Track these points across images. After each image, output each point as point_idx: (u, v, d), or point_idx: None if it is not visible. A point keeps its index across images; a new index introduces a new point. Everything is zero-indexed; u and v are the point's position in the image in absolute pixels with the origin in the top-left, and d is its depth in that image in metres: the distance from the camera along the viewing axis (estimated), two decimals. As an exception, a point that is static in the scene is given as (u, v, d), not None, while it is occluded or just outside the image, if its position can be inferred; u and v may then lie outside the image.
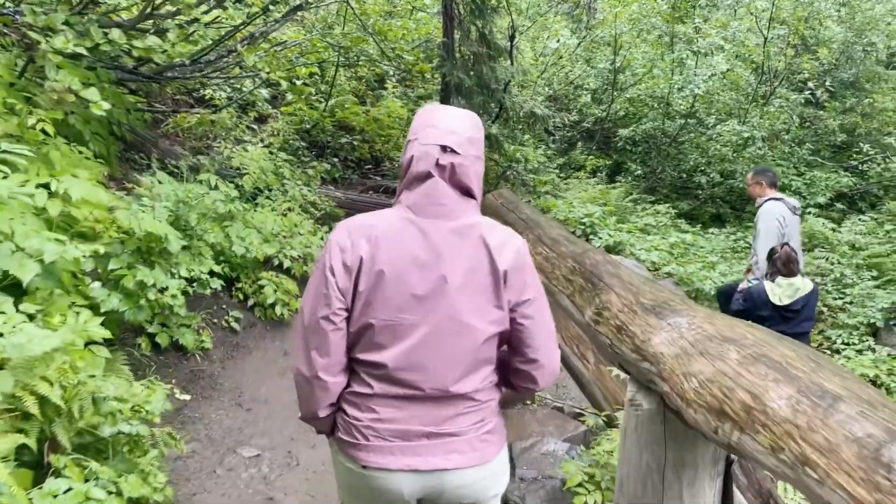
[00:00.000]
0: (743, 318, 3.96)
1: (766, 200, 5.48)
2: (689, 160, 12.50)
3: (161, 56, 4.51)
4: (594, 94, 14.58)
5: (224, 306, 5.22)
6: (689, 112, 12.55)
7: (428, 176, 1.72)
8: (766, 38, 12.31)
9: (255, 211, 6.02)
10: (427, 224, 1.71)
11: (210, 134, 9.28)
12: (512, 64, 8.52)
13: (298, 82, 10.45)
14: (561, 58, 13.46)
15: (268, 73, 5.68)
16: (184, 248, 4.53)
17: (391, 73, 11.56)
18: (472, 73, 7.84)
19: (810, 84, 11.75)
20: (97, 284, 3.57)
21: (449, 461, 1.73)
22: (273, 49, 8.25)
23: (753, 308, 4.66)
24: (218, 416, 4.17)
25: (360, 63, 10.53)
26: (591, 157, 13.19)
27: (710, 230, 11.39)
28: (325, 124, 9.95)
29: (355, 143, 9.94)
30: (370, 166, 10.17)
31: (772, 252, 4.78)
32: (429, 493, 1.78)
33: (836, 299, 8.77)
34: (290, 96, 10.31)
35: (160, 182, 4.51)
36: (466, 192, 1.77)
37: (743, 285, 5.24)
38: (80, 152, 4.12)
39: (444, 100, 8.57)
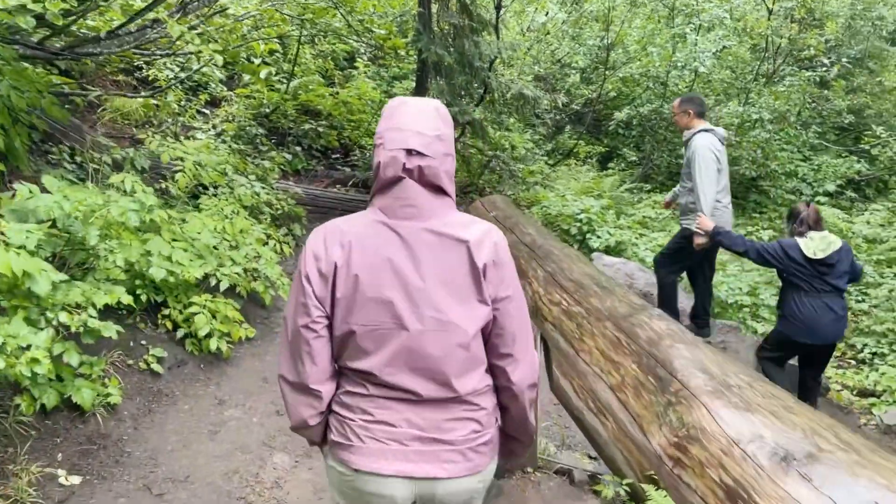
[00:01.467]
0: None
1: (696, 133, 5.07)
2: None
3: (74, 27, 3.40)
4: (583, 73, 13.55)
5: (143, 341, 4.15)
6: (690, 92, 11.55)
7: (398, 179, 1.69)
8: (770, 11, 11.33)
9: (191, 217, 4.94)
10: (401, 226, 1.69)
11: (153, 120, 8.13)
12: (498, 38, 7.43)
13: (257, 60, 9.33)
14: (548, 34, 12.39)
15: (198, 46, 4.55)
16: (77, 276, 3.47)
17: (362, 50, 10.42)
18: (452, 48, 6.77)
19: (824, 60, 10.76)
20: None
21: (443, 470, 1.70)
22: (218, 20, 7.09)
23: (787, 264, 4.42)
24: (118, 504, 3.11)
25: (326, 38, 9.38)
26: (580, 141, 12.17)
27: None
28: (287, 108, 8.82)
29: (321, 129, 8.81)
30: (338, 155, 9.05)
31: (794, 211, 4.49)
32: (420, 499, 1.76)
33: (858, 301, 7.85)
34: (246, 76, 9.16)
35: (42, 188, 3.42)
36: (439, 190, 1.74)
37: (703, 226, 4.81)
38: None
39: (421, 80, 7.49)
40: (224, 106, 8.94)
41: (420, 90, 7.50)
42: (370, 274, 1.66)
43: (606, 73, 11.93)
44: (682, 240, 5.26)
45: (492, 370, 1.78)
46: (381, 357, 1.67)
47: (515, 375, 1.76)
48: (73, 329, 3.21)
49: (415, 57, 8.04)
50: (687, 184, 5.15)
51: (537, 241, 2.70)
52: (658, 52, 12.04)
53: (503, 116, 7.58)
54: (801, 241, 4.40)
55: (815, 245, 4.38)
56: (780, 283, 4.76)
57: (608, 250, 7.43)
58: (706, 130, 5.09)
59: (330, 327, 1.71)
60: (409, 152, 1.68)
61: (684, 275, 5.92)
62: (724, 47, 10.37)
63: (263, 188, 6.41)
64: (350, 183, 8.01)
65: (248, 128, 8.28)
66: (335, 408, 1.77)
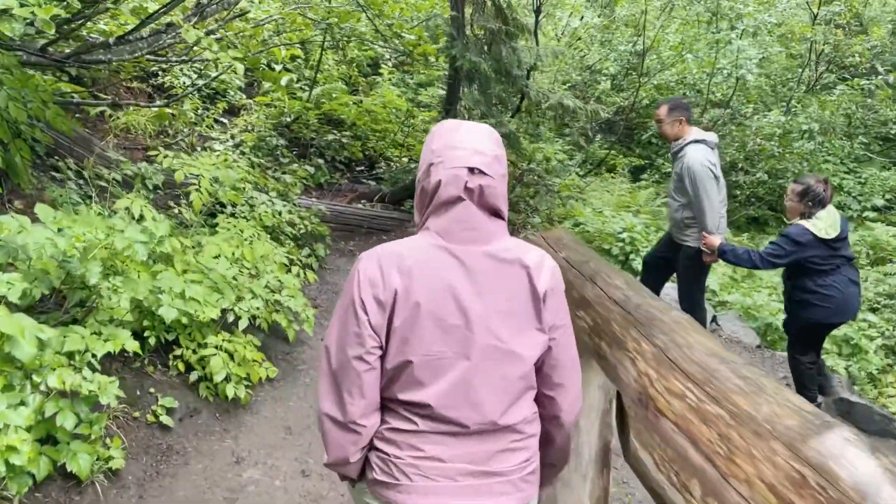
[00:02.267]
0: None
1: (689, 144, 4.66)
2: (725, 155, 10.94)
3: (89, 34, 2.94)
4: (613, 80, 13.02)
5: (151, 389, 3.66)
6: (727, 101, 11.00)
7: (458, 200, 1.63)
8: (815, 16, 10.76)
9: (207, 241, 4.46)
10: (461, 250, 1.62)
11: (169, 130, 7.69)
12: (537, 44, 6.91)
13: (278, 67, 8.87)
14: (579, 39, 11.86)
15: (216, 53, 4.08)
16: (77, 315, 3.00)
17: (387, 55, 9.93)
18: (487, 55, 6.25)
19: (879, 67, 10.17)
20: None
21: (496, 502, 1.61)
22: (237, 24, 6.64)
23: (801, 255, 4.21)
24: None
25: (351, 44, 8.90)
26: (611, 152, 11.63)
27: (754, 238, 9.89)
28: (309, 117, 8.34)
29: (344, 140, 8.33)
30: (362, 168, 8.56)
31: (810, 189, 4.22)
32: None
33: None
34: (267, 84, 8.71)
35: (34, 218, 2.94)
36: (495, 213, 1.68)
37: (709, 246, 4.57)
38: None
39: (453, 89, 6.98)
40: (243, 115, 8.49)
41: (451, 99, 7.00)
42: (432, 301, 1.58)
43: (641, 79, 11.37)
44: (688, 261, 4.83)
45: (540, 399, 1.73)
46: (436, 389, 1.59)
47: (565, 406, 1.72)
48: (72, 385, 2.72)
49: (445, 63, 7.54)
50: (680, 199, 4.71)
51: (632, 298, 2.18)
52: (693, 58, 11.50)
53: (541, 128, 7.04)
54: (808, 224, 4.20)
55: (826, 224, 4.20)
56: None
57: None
58: (698, 141, 4.68)
59: (382, 358, 1.62)
60: (472, 170, 1.62)
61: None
62: (768, 54, 9.77)
63: (285, 205, 5.93)
64: (376, 198, 7.51)
65: (268, 138, 7.82)
66: (377, 444, 1.67)
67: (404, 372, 1.61)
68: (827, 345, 6.52)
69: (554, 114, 7.08)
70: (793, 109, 10.84)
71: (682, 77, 11.61)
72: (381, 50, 9.69)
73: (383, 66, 9.99)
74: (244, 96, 8.81)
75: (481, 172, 1.63)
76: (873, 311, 7.73)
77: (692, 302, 5.01)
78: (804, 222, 4.24)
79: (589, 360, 2.78)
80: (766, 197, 10.72)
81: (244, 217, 5.45)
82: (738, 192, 10.62)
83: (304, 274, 4.89)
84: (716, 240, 4.55)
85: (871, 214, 10.06)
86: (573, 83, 10.76)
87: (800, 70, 11.75)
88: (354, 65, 9.24)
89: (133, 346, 3.17)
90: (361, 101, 9.03)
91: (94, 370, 3.03)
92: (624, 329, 2.06)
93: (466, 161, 1.63)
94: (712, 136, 4.79)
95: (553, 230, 3.03)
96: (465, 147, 1.66)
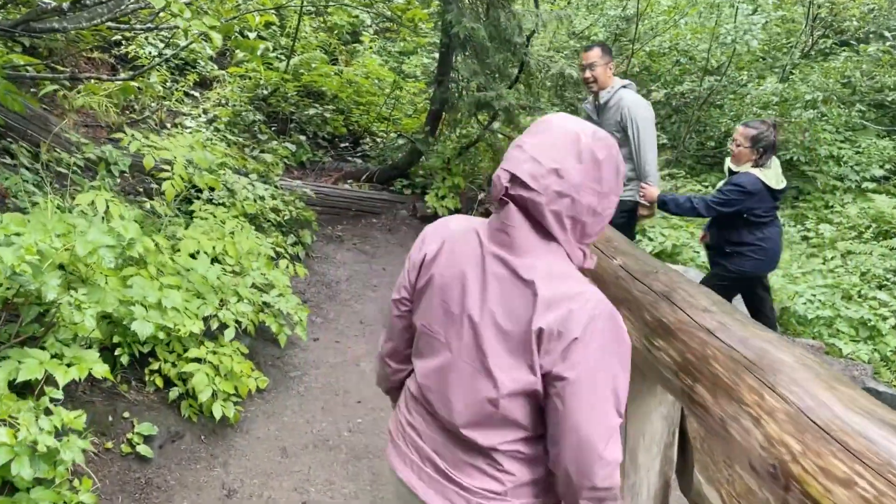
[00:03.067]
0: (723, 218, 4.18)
1: (622, 88, 4.49)
2: (719, 126, 10.54)
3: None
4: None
5: (126, 413, 3.17)
6: (721, 68, 10.55)
7: (500, 202, 1.50)
8: (812, -22, 10.32)
9: (184, 235, 3.95)
10: (490, 249, 1.50)
11: (135, 105, 7.07)
12: (537, 6, 6.37)
13: (251, 35, 8.24)
14: (569, 3, 11.33)
15: (187, 21, 3.52)
16: (36, 332, 2.51)
17: (368, 22, 9.31)
18: (485, 20, 5.73)
19: (888, 33, 9.78)
20: None
21: None
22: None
23: (749, 203, 4.05)
24: None
25: (330, 9, 8.28)
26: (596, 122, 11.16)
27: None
28: (288, 90, 7.75)
29: (327, 114, 7.75)
30: (346, 144, 8.00)
31: (763, 136, 4.04)
32: None
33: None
34: (240, 53, 8.08)
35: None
36: (545, 231, 1.47)
37: (650, 198, 4.38)
38: None
39: (446, 58, 6.45)
40: (216, 87, 7.88)
41: (444, 69, 6.47)
42: (444, 281, 1.55)
43: (633, 46, 10.86)
44: (623, 216, 4.51)
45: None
46: (427, 364, 1.59)
47: (560, 469, 1.48)
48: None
49: (434, 30, 6.98)
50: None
51: (731, 326, 1.74)
52: (686, 23, 11.04)
53: (541, 101, 6.55)
54: (759, 173, 4.04)
55: (774, 174, 4.08)
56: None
57: (662, 255, 6.48)
58: (626, 86, 4.50)
59: (410, 314, 1.67)
60: (514, 179, 1.47)
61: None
62: (771, 18, 9.32)
63: (267, 189, 5.40)
64: (363, 178, 6.98)
65: (244, 113, 7.24)
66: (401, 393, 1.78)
67: (415, 335, 1.66)
68: (843, 328, 6.20)
69: (553, 84, 6.58)
70: (790, 77, 10.44)
71: (675, 43, 11.13)
72: (361, 16, 9.07)
73: (364, 33, 9.38)
74: (216, 67, 8.18)
75: (523, 185, 1.45)
76: (881, 287, 7.45)
77: None
78: (756, 171, 4.04)
79: (652, 386, 2.36)
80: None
81: (223, 204, 4.92)
82: (733, 164, 10.27)
83: (294, 268, 4.38)
84: (655, 190, 4.37)
85: (871, 185, 9.76)
86: (568, 49, 10.23)
87: (796, 35, 11.34)
88: (335, 32, 8.61)
89: (103, 370, 2.67)
90: (342, 71, 8.44)
91: (54, 401, 2.54)
92: (733, 373, 1.62)
93: (515, 167, 1.47)
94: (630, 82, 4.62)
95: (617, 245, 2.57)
96: (525, 147, 1.49)
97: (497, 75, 6.13)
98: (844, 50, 10.86)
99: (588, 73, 4.53)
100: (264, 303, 3.85)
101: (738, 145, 4.13)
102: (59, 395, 2.56)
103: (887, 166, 10.07)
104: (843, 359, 5.63)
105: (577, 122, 1.51)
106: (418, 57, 9.44)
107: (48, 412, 2.50)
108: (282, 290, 4.11)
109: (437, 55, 7.09)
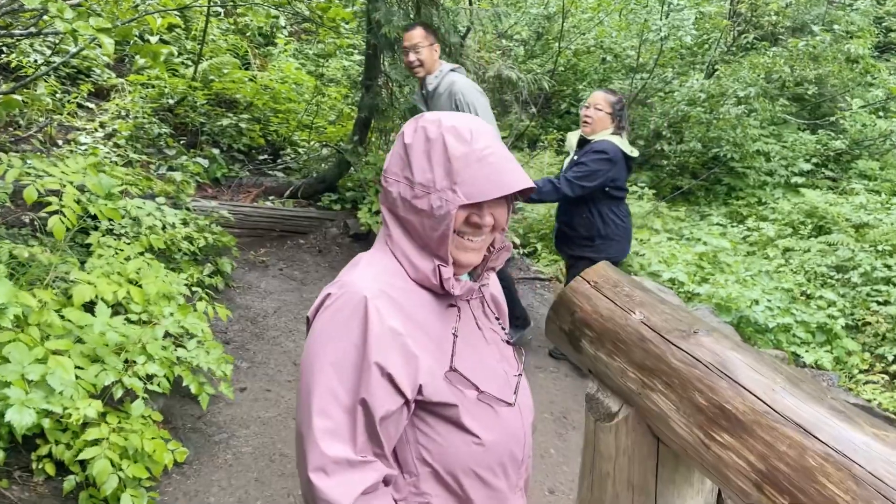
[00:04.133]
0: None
1: (452, 71, 4.14)
2: (648, 124, 10.37)
3: None
4: (525, 45, 12.20)
5: (4, 520, 2.52)
6: (645, 66, 10.40)
7: None
8: (733, -26, 10.28)
9: (78, 277, 3.27)
10: None
11: (20, 121, 6.22)
12: (471, 3, 5.90)
13: (153, 39, 7.47)
14: (493, 3, 10.93)
15: (73, 24, 2.88)
16: None
17: (282, 23, 8.64)
18: (417, 18, 5.23)
19: (815, 28, 9.80)
20: None
21: None
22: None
23: (614, 174, 3.81)
24: None
25: (242, 8, 7.59)
26: (531, 124, 10.82)
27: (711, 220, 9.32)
28: (197, 98, 7.02)
29: (242, 124, 7.06)
30: (265, 157, 7.32)
31: (621, 101, 3.91)
32: None
33: (881, 303, 6.90)
34: (141, 59, 7.30)
35: None
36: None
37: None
38: None
39: (372, 62, 5.90)
40: (115, 98, 7.08)
41: (372, 73, 5.92)
42: None
43: (560, 45, 10.56)
44: None
45: None
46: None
47: None
48: None
49: (359, 31, 6.42)
50: None
51: (839, 428, 1.29)
52: (613, 20, 10.86)
53: (477, 105, 6.08)
54: (618, 140, 3.81)
55: (625, 143, 3.87)
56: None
57: (619, 266, 6.13)
58: (454, 69, 4.13)
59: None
60: None
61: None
62: (701, 15, 9.19)
63: (178, 213, 4.72)
64: (287, 193, 6.34)
65: (147, 126, 6.48)
66: None
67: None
68: (801, 334, 6.01)
69: (491, 87, 6.14)
70: (717, 73, 10.38)
71: (600, 41, 10.92)
72: (275, 17, 8.40)
73: (279, 34, 8.71)
74: (114, 75, 7.37)
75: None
76: (824, 285, 7.37)
77: None
78: (612, 138, 3.81)
79: (688, 472, 1.91)
80: (695, 167, 10.23)
81: (126, 234, 4.24)
82: (665, 162, 10.10)
83: (213, 309, 3.75)
84: None
85: (800, 180, 9.77)
86: (501, 49, 9.84)
87: (717, 32, 11.31)
88: (247, 34, 7.92)
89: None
90: (257, 77, 7.77)
91: None
92: (855, 498, 1.16)
93: None
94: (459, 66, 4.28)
95: (596, 267, 2.09)
96: None
97: (431, 78, 5.62)
98: (765, 45, 10.91)
99: (412, 56, 4.07)
100: (179, 359, 3.22)
101: (599, 109, 3.84)
102: None
103: (814, 160, 10.13)
104: (808, 368, 5.41)
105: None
106: (338, 59, 8.84)
107: None
108: (203, 336, 3.49)
109: (361, 58, 6.53)
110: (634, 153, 3.94)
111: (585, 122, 3.93)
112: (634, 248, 6.40)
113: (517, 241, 6.22)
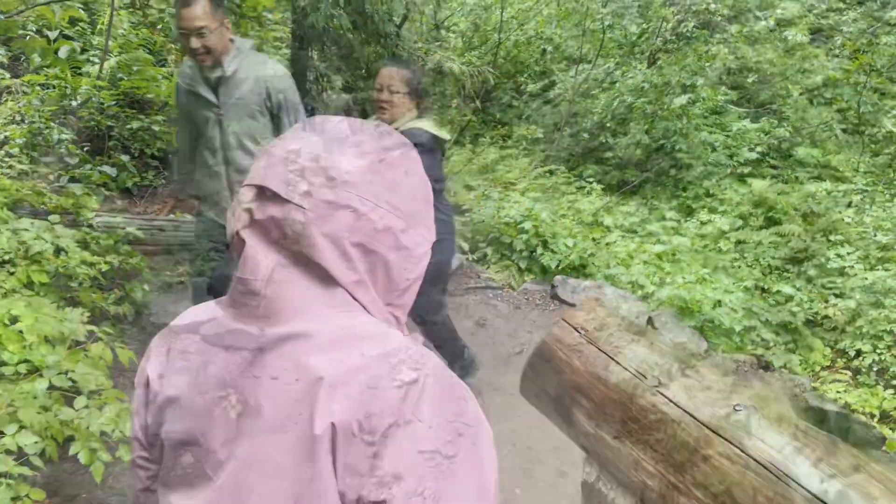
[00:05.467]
0: None
1: (251, 50, 3.38)
2: (592, 116, 10.05)
3: None
4: (463, 37, 11.76)
5: None
6: (590, 56, 10.08)
7: (239, 241, 0.93)
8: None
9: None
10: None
11: None
12: (406, -10, 5.39)
13: (52, 35, 6.70)
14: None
15: None
16: None
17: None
18: (347, 6, 4.69)
19: (759, 13, 9.62)
20: None
21: None
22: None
23: (434, 162, 3.19)
24: None
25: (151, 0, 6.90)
26: (473, 118, 10.38)
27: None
28: (104, 99, 6.32)
29: (155, 127, 6.38)
30: (184, 163, 6.65)
31: (417, 77, 3.29)
32: None
33: (837, 296, 6.71)
34: (38, 58, 6.52)
35: None
36: (320, 273, 0.92)
37: None
38: None
39: (298, 56, 5.33)
40: (7, 100, 6.31)
41: (300, 67, 5.35)
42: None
43: (500, 36, 10.13)
44: None
45: None
46: None
47: None
48: None
49: (283, 22, 5.83)
50: (268, 138, 3.23)
51: None
52: (550, 12, 10.51)
53: (417, 99, 5.58)
54: (426, 124, 3.16)
55: (433, 123, 3.26)
56: None
57: (569, 270, 5.70)
58: (256, 48, 3.45)
59: None
60: (261, 193, 0.92)
61: None
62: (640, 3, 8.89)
63: (76, 232, 4.07)
64: (208, 202, 5.71)
65: (46, 131, 5.76)
66: None
67: None
68: (767, 335, 5.72)
69: (431, 80, 5.65)
70: (658, 63, 10.12)
71: (541, 31, 10.54)
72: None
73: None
74: (8, 75, 6.59)
75: (275, 197, 0.89)
76: (780, 279, 7.17)
77: None
78: (420, 123, 3.14)
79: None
80: (640, 160, 9.96)
81: (8, 262, 3.59)
82: (610, 154, 9.79)
83: (112, 353, 3.13)
84: None
85: (746, 169, 9.60)
86: (440, 41, 9.34)
87: (655, 21, 11.08)
88: (160, 27, 7.22)
89: None
90: (173, 74, 7.07)
91: None
92: None
93: (258, 178, 0.92)
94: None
95: (588, 303, 1.61)
96: (273, 154, 0.94)
97: (365, 71, 5.09)
98: (705, 32, 10.72)
99: (196, 43, 2.97)
100: (63, 422, 2.62)
101: (396, 91, 3.14)
102: None
103: (758, 149, 9.99)
104: (778, 370, 5.12)
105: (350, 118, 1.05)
106: (263, 53, 8.19)
107: None
108: (100, 386, 2.89)
109: (287, 52, 5.93)
110: (447, 136, 3.36)
111: (382, 107, 3.21)
112: (590, 249, 6.01)
113: (465, 246, 5.75)
